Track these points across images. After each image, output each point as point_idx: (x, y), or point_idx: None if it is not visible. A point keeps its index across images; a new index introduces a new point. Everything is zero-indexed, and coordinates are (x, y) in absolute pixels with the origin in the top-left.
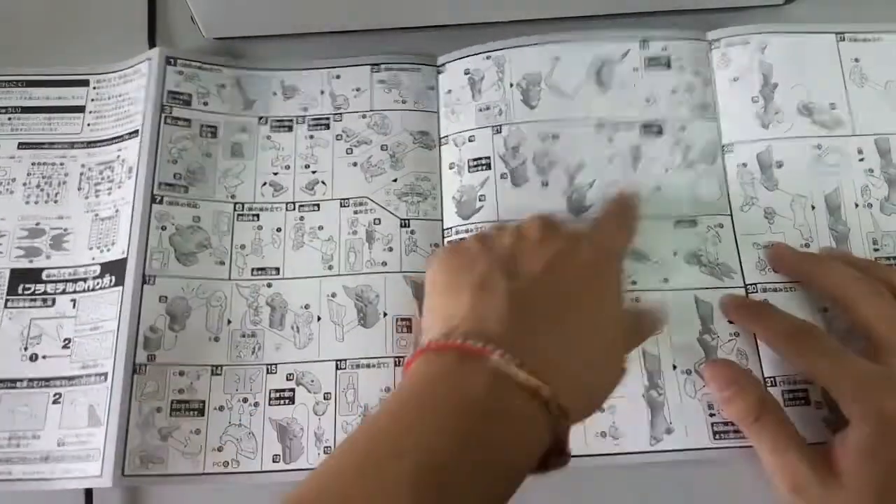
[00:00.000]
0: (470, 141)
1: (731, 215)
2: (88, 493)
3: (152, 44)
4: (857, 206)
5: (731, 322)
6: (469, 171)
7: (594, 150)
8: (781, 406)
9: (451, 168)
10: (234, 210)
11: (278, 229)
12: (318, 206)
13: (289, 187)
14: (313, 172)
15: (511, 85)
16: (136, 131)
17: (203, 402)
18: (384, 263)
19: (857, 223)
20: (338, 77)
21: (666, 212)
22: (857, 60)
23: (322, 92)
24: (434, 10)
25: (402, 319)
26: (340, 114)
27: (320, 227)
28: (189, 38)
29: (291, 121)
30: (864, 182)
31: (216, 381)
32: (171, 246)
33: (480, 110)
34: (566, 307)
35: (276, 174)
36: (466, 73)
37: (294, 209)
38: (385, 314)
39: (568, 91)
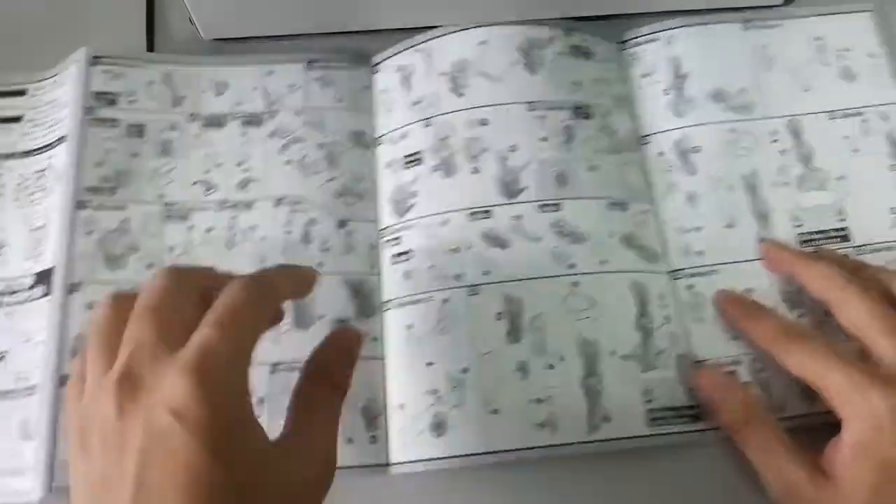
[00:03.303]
0: (403, 138)
1: (654, 203)
2: None
3: (150, 47)
4: (775, 185)
5: (729, 323)
6: (404, 169)
7: (527, 131)
8: (770, 413)
9: (387, 167)
10: (164, 211)
11: (210, 230)
12: (251, 205)
13: (220, 186)
14: (246, 171)
15: (439, 75)
16: (65, 136)
17: None
18: (320, 265)
19: (776, 202)
20: (270, 73)
21: (601, 193)
22: (763, 46)
23: (255, 88)
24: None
25: (340, 321)
26: (274, 111)
27: (253, 227)
28: (188, 40)
29: (223, 117)
30: (779, 162)
31: None
32: (99, 251)
33: (413, 104)
34: None
35: (207, 172)
36: (399, 70)
37: (226, 209)
38: (322, 316)
39: (497, 74)
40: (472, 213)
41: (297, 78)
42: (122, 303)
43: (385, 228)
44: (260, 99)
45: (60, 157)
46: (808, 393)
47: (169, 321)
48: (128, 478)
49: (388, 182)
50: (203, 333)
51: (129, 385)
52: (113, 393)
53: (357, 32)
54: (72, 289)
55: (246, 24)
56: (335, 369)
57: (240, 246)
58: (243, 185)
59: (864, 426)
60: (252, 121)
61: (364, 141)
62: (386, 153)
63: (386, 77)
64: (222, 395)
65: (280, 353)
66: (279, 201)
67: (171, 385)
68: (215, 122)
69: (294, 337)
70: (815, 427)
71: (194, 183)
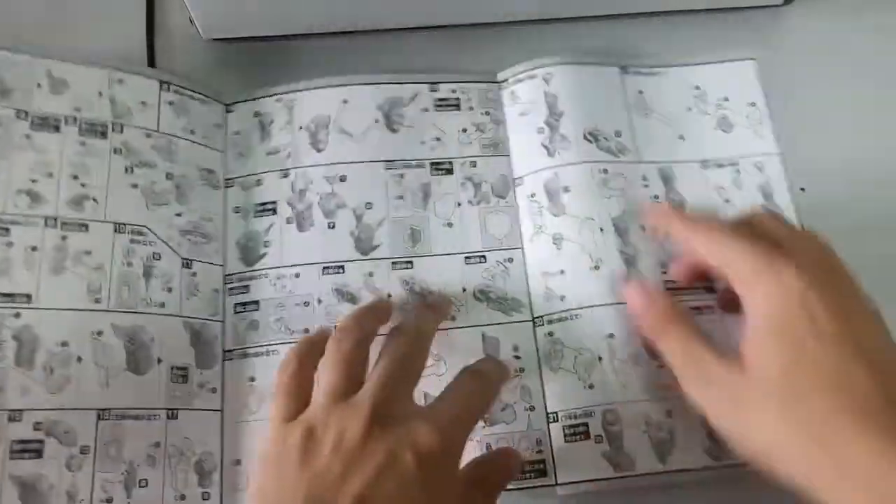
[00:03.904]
0: (257, 185)
1: (522, 248)
2: None
3: (150, 45)
4: (643, 229)
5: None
6: (255, 216)
7: (383, 188)
8: (691, 317)
9: (236, 212)
10: None
11: (34, 248)
12: (86, 226)
13: (50, 199)
14: (83, 185)
15: (300, 128)
16: None
17: None
18: (162, 304)
19: (644, 246)
20: (120, 81)
21: (456, 248)
22: (640, 92)
23: (100, 94)
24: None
25: (179, 368)
26: (122, 124)
27: (88, 252)
28: (188, 40)
29: (59, 121)
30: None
31: None
32: None
33: (269, 154)
34: None
35: (34, 181)
36: (256, 116)
37: (56, 226)
38: (160, 361)
39: (356, 133)
40: (325, 268)
41: (149, 96)
42: (312, 350)
43: (231, 275)
44: (106, 108)
45: None
46: (661, 450)
47: (413, 372)
48: (354, 484)
49: (236, 227)
50: (458, 404)
51: (381, 416)
52: (364, 418)
53: (365, 32)
54: None
55: (246, 24)
56: (493, 480)
57: (70, 271)
58: (77, 201)
59: (775, 303)
60: (94, 130)
61: (214, 180)
62: (235, 198)
63: (240, 119)
64: (456, 455)
65: (110, 399)
66: (120, 227)
67: (423, 432)
68: (49, 124)
69: (127, 381)
70: (668, 484)
71: (18, 192)
